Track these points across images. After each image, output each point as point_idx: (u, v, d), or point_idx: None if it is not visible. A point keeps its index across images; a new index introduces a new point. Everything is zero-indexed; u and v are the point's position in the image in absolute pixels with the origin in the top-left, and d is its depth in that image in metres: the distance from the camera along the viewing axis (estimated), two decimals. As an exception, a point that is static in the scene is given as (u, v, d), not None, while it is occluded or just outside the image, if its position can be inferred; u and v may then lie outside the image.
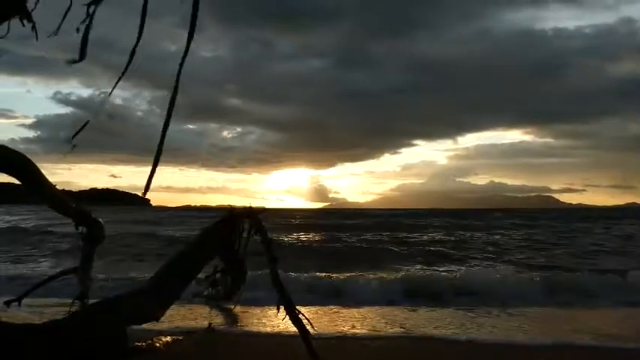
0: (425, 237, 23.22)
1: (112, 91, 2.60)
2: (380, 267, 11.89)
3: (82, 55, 2.49)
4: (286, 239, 20.97)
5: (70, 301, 4.79)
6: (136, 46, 2.47)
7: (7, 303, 4.93)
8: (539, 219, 46.28)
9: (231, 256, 6.23)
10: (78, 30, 2.45)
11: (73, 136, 2.71)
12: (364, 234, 24.23)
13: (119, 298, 4.31)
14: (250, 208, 5.96)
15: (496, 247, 18.10)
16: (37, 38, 2.38)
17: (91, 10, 2.45)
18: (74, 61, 2.51)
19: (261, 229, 5.82)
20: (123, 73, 2.58)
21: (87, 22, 2.46)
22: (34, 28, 2.39)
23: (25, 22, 2.34)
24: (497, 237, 23.22)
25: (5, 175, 3.16)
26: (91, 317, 3.94)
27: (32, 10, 2.33)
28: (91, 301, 4.60)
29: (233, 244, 6.03)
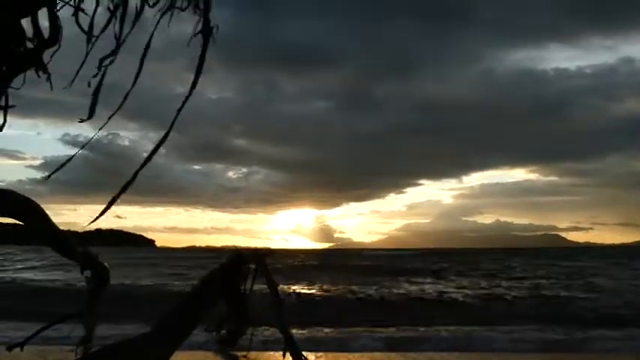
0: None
1: (101, 127, 2.64)
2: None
3: (91, 113, 2.55)
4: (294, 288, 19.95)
5: (74, 346, 4.73)
6: (130, 89, 2.53)
7: (10, 348, 4.87)
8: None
9: (236, 299, 6.19)
10: (89, 84, 2.52)
11: (48, 176, 2.73)
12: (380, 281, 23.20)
13: (125, 343, 4.26)
14: (256, 250, 5.97)
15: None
16: (51, 88, 2.46)
17: (105, 63, 2.53)
18: (82, 120, 2.57)
19: (266, 272, 5.81)
20: (113, 114, 2.62)
21: (99, 79, 2.53)
22: (49, 79, 2.47)
23: (40, 73, 2.42)
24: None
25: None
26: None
27: (48, 63, 2.42)
28: (95, 346, 4.55)
29: (238, 287, 6.00)
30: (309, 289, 19.56)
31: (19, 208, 3.12)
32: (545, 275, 26.28)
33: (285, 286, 18.55)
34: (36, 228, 3.39)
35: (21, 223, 3.29)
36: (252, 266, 5.80)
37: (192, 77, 2.57)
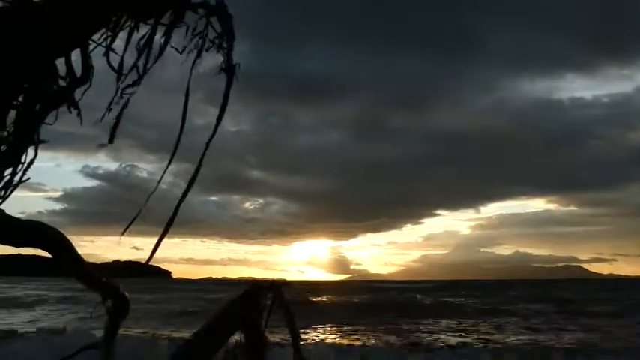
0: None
1: (160, 179, 2.76)
2: None
3: (112, 139, 2.66)
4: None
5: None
6: (179, 136, 2.64)
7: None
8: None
9: (253, 330, 6.17)
10: (110, 110, 2.62)
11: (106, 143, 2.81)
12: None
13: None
14: (272, 281, 5.98)
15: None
16: (81, 123, 2.58)
17: (127, 91, 2.64)
18: (104, 145, 2.68)
19: (283, 303, 5.81)
20: (169, 162, 2.74)
21: (121, 106, 2.64)
22: (79, 114, 2.59)
23: (71, 109, 2.55)
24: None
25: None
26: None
27: (79, 100, 2.55)
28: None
29: (255, 319, 6.00)
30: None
31: (48, 240, 3.22)
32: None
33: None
34: (63, 259, 3.49)
35: (49, 254, 3.38)
36: (269, 297, 5.81)
37: (211, 109, 2.68)
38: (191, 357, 4.68)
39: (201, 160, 2.69)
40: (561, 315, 24.39)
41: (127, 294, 4.85)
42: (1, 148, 2.36)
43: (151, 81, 2.75)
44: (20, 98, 2.37)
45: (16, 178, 2.45)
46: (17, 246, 3.25)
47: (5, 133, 2.35)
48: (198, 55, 2.56)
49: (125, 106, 2.66)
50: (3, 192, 2.42)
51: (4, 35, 2.16)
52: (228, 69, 2.56)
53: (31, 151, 2.52)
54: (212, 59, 2.90)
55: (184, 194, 2.74)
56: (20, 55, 2.19)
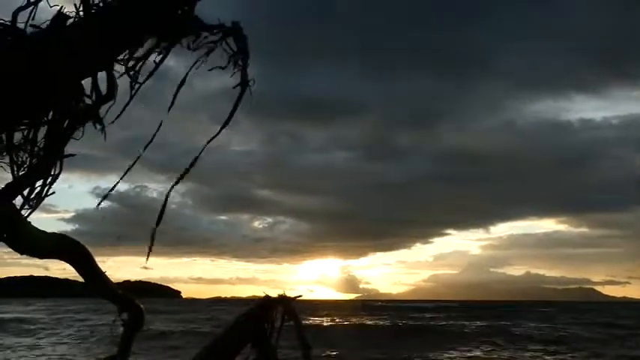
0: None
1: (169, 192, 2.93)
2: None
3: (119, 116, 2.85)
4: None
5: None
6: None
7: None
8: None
9: (264, 343, 6.25)
10: (123, 111, 2.81)
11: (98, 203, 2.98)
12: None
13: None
14: (283, 295, 6.08)
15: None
16: (105, 139, 2.76)
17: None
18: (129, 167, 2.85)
19: (294, 317, 5.90)
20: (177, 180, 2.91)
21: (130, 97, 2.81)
22: (103, 130, 2.78)
23: (96, 125, 2.73)
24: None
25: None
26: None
27: (103, 117, 2.75)
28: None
29: (266, 332, 6.08)
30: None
31: (70, 251, 3.38)
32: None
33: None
34: (84, 270, 3.64)
35: (71, 266, 3.54)
36: (280, 310, 5.91)
37: (217, 128, 2.86)
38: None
39: (200, 152, 2.86)
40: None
41: (142, 307, 4.98)
42: (33, 161, 2.56)
43: (160, 102, 2.93)
44: (50, 115, 2.56)
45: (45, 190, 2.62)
46: (41, 257, 3.40)
47: (36, 148, 2.54)
48: (207, 54, 2.75)
49: (135, 93, 2.81)
50: (34, 201, 2.59)
51: (39, 56, 2.34)
52: (243, 84, 2.75)
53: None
54: (219, 80, 3.09)
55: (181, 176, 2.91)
56: (52, 75, 2.37)
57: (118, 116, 2.81)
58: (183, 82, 2.88)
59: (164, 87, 3.13)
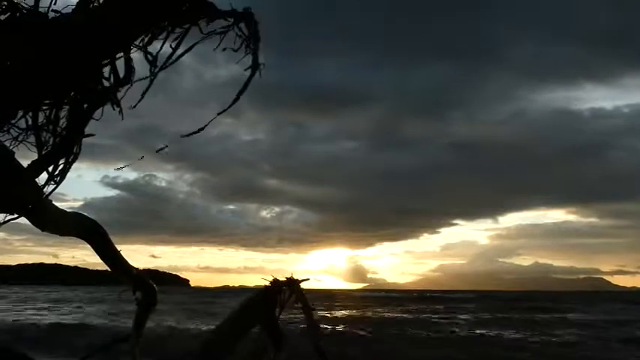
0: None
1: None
2: None
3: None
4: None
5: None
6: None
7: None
8: None
9: (272, 325, 6.40)
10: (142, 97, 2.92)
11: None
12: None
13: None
14: (291, 277, 6.21)
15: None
16: (122, 118, 2.90)
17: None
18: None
19: (302, 297, 6.03)
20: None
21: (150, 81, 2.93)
22: (120, 112, 2.91)
23: (114, 107, 2.87)
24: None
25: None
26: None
27: (121, 99, 2.88)
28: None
29: (274, 313, 6.23)
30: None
31: (88, 229, 3.53)
32: None
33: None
34: (100, 248, 3.80)
35: (89, 244, 3.70)
36: (288, 293, 6.04)
37: (225, 119, 2.98)
38: (217, 347, 4.92)
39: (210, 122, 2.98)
40: None
41: (155, 286, 5.14)
42: (57, 140, 2.71)
43: (168, 93, 3.03)
44: (71, 96, 2.70)
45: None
46: (61, 235, 3.56)
47: (59, 128, 2.69)
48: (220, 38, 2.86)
49: (154, 76, 2.92)
50: (58, 177, 2.75)
51: (62, 40, 2.47)
52: (254, 67, 2.88)
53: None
54: (228, 70, 3.19)
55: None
56: (74, 58, 2.50)
57: (140, 101, 2.93)
58: (180, 56, 2.95)
59: (171, 77, 3.22)
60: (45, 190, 2.89)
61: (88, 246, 3.96)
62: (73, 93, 2.69)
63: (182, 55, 2.85)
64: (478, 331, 20.21)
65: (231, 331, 5.28)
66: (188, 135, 3.00)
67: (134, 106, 2.92)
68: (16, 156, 2.74)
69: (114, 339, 5.66)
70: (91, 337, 14.58)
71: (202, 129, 2.99)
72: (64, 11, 2.65)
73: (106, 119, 2.91)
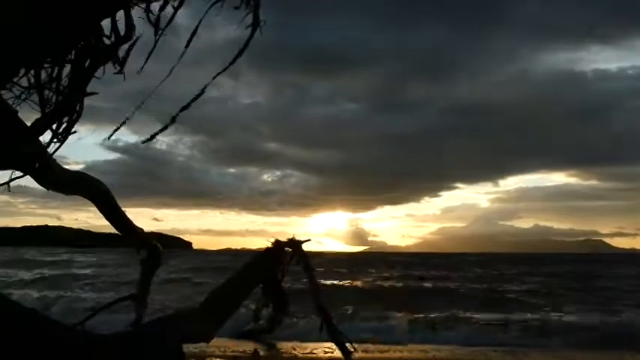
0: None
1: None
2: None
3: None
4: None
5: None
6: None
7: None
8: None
9: (275, 286, 6.53)
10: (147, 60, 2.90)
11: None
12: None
13: (172, 317, 4.62)
14: (293, 238, 6.30)
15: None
16: (124, 79, 2.88)
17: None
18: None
19: (304, 258, 6.14)
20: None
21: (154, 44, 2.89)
22: (121, 71, 2.89)
23: (115, 65, 2.85)
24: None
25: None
26: (150, 333, 4.27)
27: (123, 59, 2.86)
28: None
29: (277, 274, 6.34)
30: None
31: (92, 189, 3.58)
32: None
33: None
34: (104, 208, 3.85)
35: (92, 203, 3.75)
36: (290, 253, 6.13)
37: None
38: (221, 303, 5.01)
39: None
40: None
41: (159, 245, 5.23)
42: (59, 98, 2.70)
43: (168, 54, 2.99)
44: (72, 54, 2.68)
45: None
46: (66, 194, 3.61)
47: (61, 86, 2.69)
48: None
49: (158, 38, 2.89)
50: (62, 136, 2.77)
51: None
52: (254, 24, 2.84)
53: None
54: (225, 31, 3.13)
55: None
56: (73, 15, 2.47)
57: (145, 63, 2.90)
58: (195, 30, 2.93)
59: (169, 40, 3.17)
60: (49, 149, 2.91)
61: (92, 209, 4.01)
62: (74, 50, 2.67)
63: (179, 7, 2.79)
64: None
65: (233, 290, 5.37)
66: (187, 105, 2.99)
67: (141, 69, 2.90)
68: (18, 115, 2.74)
69: (120, 297, 5.78)
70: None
71: (201, 94, 2.98)
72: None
73: (106, 80, 2.89)
